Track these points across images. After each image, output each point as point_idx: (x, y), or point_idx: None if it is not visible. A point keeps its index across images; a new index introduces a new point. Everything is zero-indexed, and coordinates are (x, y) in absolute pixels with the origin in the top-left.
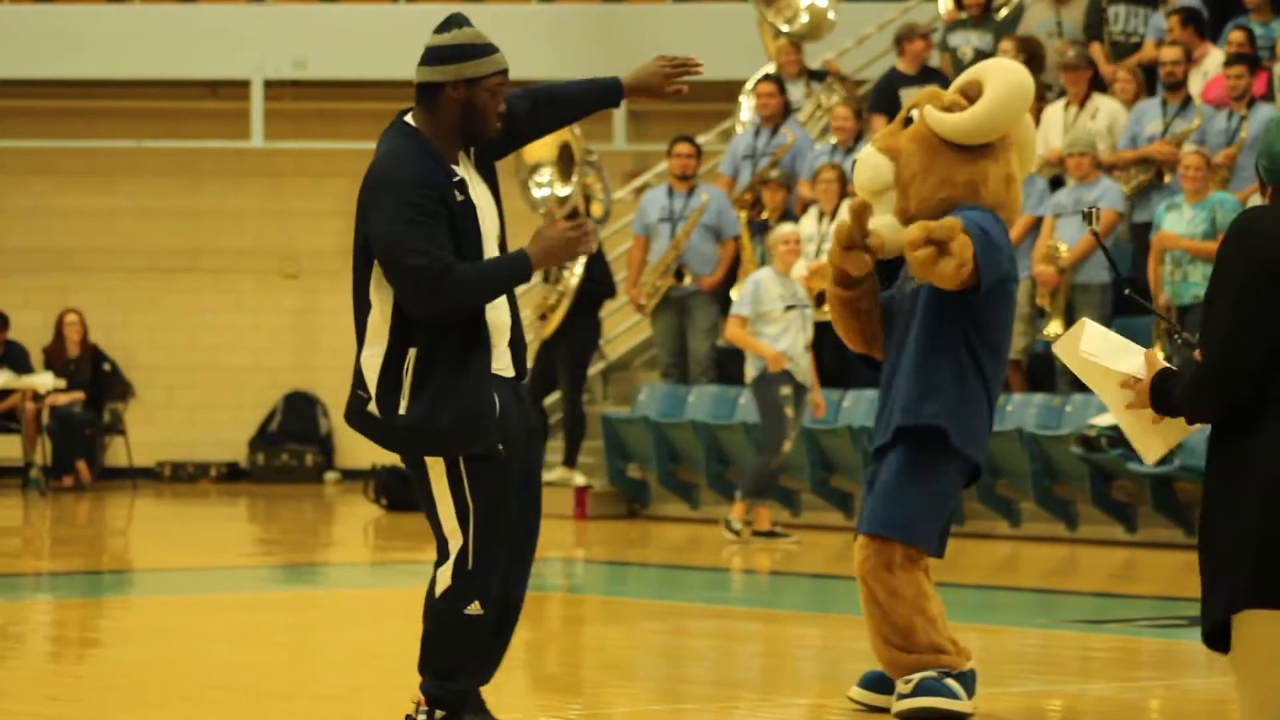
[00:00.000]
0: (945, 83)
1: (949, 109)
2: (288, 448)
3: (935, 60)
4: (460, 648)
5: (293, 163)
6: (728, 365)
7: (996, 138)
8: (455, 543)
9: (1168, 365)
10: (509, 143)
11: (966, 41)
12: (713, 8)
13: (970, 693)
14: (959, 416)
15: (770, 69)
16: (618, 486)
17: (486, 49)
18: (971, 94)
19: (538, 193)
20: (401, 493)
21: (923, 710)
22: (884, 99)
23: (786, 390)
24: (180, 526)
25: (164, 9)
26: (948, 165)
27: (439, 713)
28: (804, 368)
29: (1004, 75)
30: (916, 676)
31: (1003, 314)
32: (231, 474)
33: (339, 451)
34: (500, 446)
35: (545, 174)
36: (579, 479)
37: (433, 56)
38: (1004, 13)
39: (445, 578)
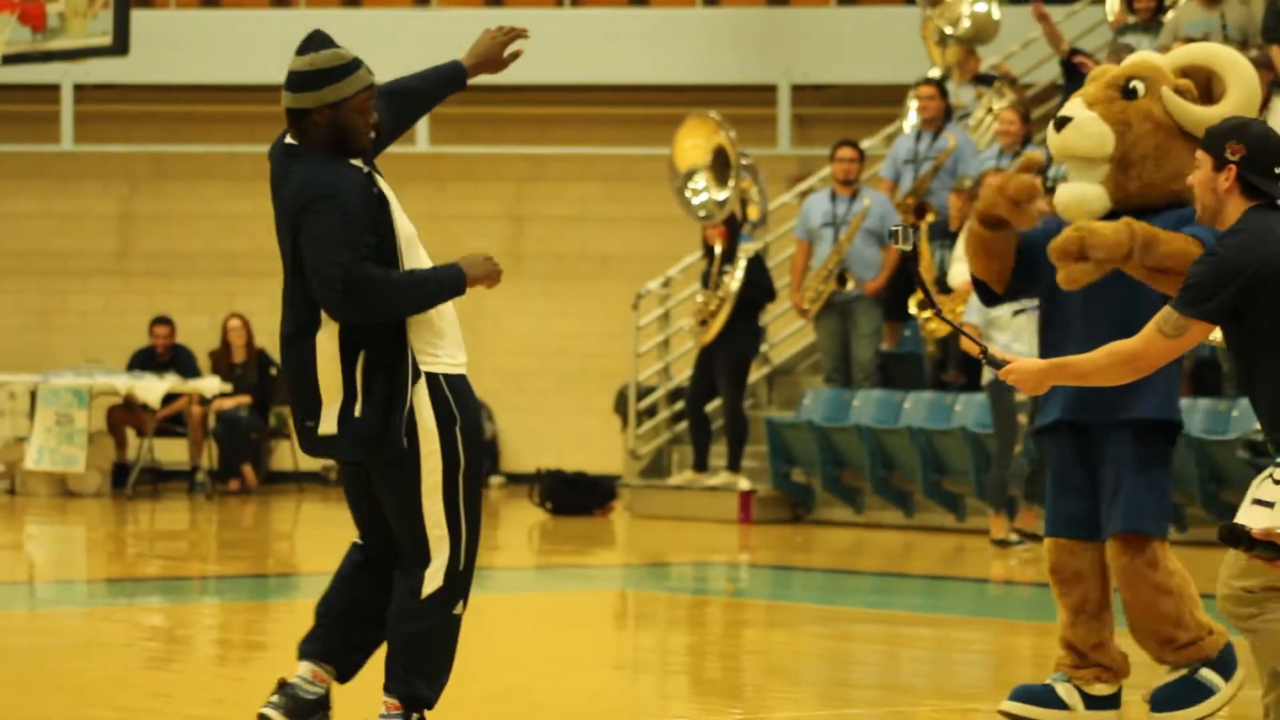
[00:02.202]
0: None
1: (1182, 94)
2: None
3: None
4: (448, 647)
5: (457, 167)
6: (892, 370)
7: None
8: (442, 546)
9: None
10: (377, 147)
11: (1137, 44)
12: (876, 11)
13: (1229, 672)
14: (1174, 400)
15: (934, 73)
16: (782, 490)
17: (348, 68)
18: (1199, 80)
19: (695, 199)
20: (567, 497)
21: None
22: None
23: (1023, 395)
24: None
25: (329, 13)
26: (1183, 157)
27: (414, 715)
28: None
29: (1242, 71)
30: (1172, 677)
31: None
32: None
33: (504, 455)
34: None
35: (701, 180)
36: (743, 483)
37: (294, 83)
38: (1170, 15)
39: (436, 579)
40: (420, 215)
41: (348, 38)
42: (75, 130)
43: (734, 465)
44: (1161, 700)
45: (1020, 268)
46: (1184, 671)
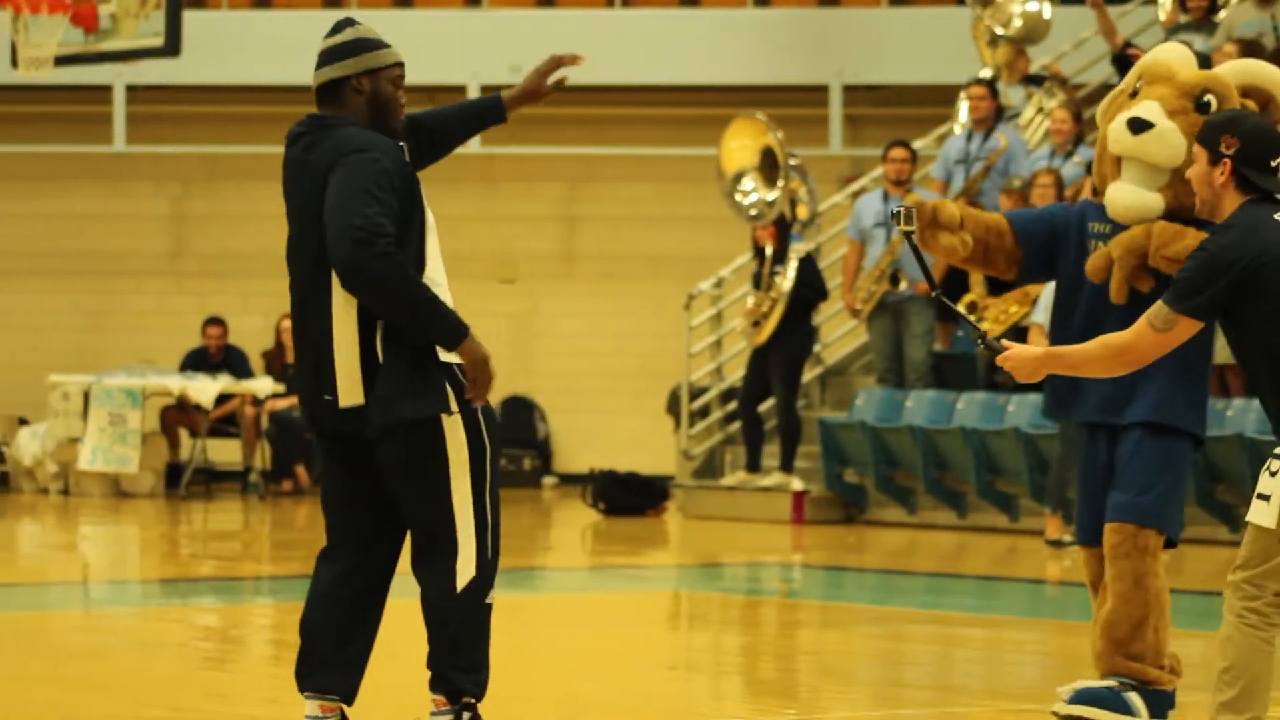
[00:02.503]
0: None
1: None
2: (505, 452)
3: None
4: (484, 637)
5: (509, 167)
6: (945, 370)
7: None
8: (469, 535)
9: None
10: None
11: (1189, 44)
12: (927, 11)
13: (1158, 712)
14: (1200, 409)
15: (985, 73)
16: (835, 491)
17: (381, 43)
18: (1259, 101)
19: (745, 200)
20: (620, 497)
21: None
22: None
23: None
24: None
25: (381, 14)
26: None
27: (466, 712)
28: None
29: None
30: (1101, 683)
31: None
32: None
33: (557, 456)
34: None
35: (749, 182)
36: (796, 484)
37: (331, 55)
38: (1223, 15)
39: (469, 569)
40: (472, 215)
41: (399, 38)
42: (127, 131)
43: (787, 466)
44: (1078, 698)
45: (1031, 255)
46: (1113, 683)
